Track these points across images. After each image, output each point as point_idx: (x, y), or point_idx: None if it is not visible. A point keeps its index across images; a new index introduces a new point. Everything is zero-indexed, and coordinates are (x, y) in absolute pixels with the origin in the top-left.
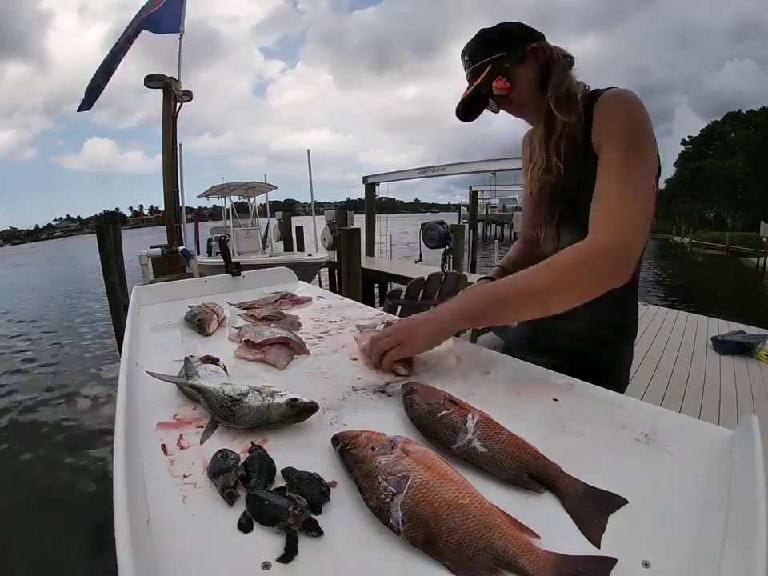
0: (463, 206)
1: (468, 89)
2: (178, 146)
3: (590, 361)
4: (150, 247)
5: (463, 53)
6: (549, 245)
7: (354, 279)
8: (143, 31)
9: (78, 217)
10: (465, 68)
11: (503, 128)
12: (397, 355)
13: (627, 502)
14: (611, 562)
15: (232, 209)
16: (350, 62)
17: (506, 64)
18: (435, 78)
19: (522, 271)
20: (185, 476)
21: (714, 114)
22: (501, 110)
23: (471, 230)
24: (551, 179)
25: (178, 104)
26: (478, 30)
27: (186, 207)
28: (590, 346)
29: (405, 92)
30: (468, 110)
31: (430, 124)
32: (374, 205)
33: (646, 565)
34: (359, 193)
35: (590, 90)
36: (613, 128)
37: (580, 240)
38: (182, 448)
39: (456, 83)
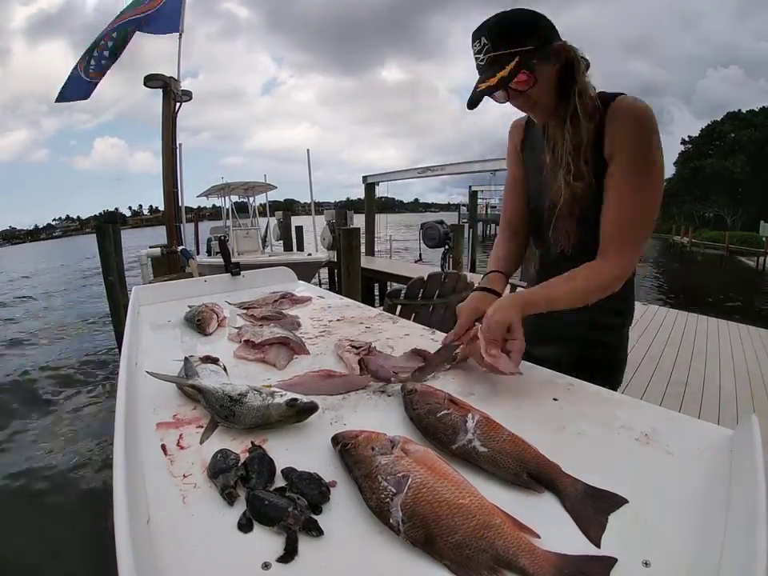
0: (463, 205)
1: (487, 78)
2: (178, 145)
3: (595, 343)
4: (150, 247)
5: (479, 34)
6: (557, 245)
7: (353, 279)
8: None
9: (78, 217)
10: (479, 51)
11: (502, 128)
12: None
13: (627, 501)
14: (611, 561)
15: (231, 209)
16: (313, 45)
17: (534, 59)
18: (416, 61)
19: (564, 285)
20: (185, 476)
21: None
22: (503, 102)
23: (471, 230)
24: (580, 186)
25: (178, 104)
26: (500, 13)
27: (186, 207)
28: (596, 332)
29: (386, 77)
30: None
31: (419, 113)
32: (373, 205)
33: (646, 564)
34: (359, 193)
35: (597, 92)
36: (629, 146)
37: (586, 240)
38: (181, 448)
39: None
